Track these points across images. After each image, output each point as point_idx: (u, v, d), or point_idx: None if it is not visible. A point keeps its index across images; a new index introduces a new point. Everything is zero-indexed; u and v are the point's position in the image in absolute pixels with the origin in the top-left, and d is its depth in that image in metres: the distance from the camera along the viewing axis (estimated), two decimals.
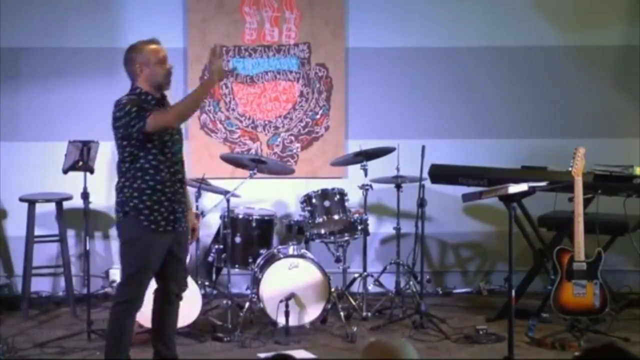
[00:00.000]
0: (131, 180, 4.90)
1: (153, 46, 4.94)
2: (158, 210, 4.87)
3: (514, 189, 5.10)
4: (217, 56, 4.97)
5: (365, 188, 6.43)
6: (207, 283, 6.42)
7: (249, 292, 6.25)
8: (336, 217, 6.35)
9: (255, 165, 6.26)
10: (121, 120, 4.86)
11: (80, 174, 6.03)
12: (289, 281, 5.98)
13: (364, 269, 6.53)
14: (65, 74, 6.97)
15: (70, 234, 6.90)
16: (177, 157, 4.99)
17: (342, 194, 6.41)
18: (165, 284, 5.09)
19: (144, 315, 5.92)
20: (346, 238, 6.40)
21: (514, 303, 5.18)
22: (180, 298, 5.16)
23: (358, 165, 6.47)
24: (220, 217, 6.37)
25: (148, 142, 4.85)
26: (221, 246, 6.31)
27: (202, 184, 6.33)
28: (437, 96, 7.18)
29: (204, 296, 6.17)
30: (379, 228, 7.15)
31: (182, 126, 6.95)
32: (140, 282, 4.94)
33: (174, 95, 7.03)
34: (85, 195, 5.98)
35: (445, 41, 7.14)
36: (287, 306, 5.89)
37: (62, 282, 6.85)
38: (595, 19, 7.20)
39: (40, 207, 6.65)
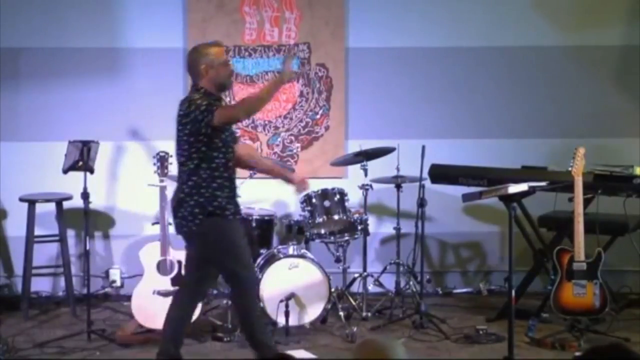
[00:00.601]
0: (208, 180, 5.04)
1: (217, 48, 5.16)
2: (233, 201, 5.16)
3: (514, 189, 5.10)
4: (291, 59, 5.24)
5: (365, 188, 6.43)
6: None
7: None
8: (336, 217, 6.35)
9: None
10: (190, 116, 5.03)
11: (80, 174, 6.02)
12: (289, 281, 5.98)
13: (364, 269, 6.53)
14: (65, 74, 6.96)
15: (70, 234, 6.90)
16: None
17: (342, 194, 6.41)
18: (203, 284, 5.30)
19: (144, 316, 5.94)
20: (346, 238, 6.40)
21: (514, 303, 5.18)
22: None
23: (358, 165, 6.47)
24: None
25: (216, 139, 5.00)
26: None
27: None
28: (437, 96, 7.18)
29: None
30: (379, 228, 7.15)
31: None
32: (248, 264, 5.20)
33: (174, 95, 7.08)
34: (85, 195, 5.98)
35: (445, 41, 7.14)
36: (287, 306, 5.89)
37: (62, 282, 6.85)
38: (595, 19, 7.19)
39: (40, 207, 6.64)
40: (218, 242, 5.08)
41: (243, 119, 5.30)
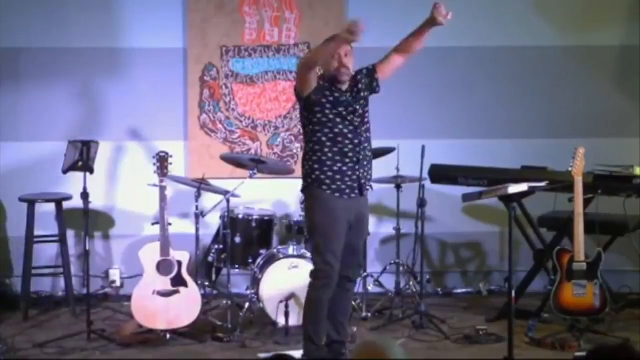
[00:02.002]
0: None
1: None
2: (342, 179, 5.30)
3: (514, 189, 5.10)
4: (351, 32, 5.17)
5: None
6: (207, 283, 6.42)
7: (249, 292, 6.24)
8: None
9: (255, 165, 6.26)
10: None
11: (80, 174, 6.03)
12: (289, 281, 5.98)
13: (364, 269, 6.52)
14: (66, 74, 6.96)
15: (70, 234, 6.89)
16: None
17: None
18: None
19: (144, 316, 5.94)
20: None
21: (514, 303, 5.18)
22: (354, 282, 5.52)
23: None
24: (220, 217, 6.37)
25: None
26: (221, 246, 6.31)
27: (202, 184, 6.33)
28: (437, 96, 7.18)
29: (204, 296, 6.17)
30: (379, 228, 7.15)
31: (182, 126, 7.03)
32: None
33: (174, 95, 7.09)
34: (85, 195, 5.98)
35: (444, 41, 7.11)
36: (287, 306, 5.89)
37: (62, 282, 6.85)
38: (595, 19, 7.19)
39: (40, 207, 6.64)
40: None
41: (302, 74, 5.24)
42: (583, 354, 5.18)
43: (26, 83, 6.97)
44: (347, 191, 5.24)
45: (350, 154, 5.23)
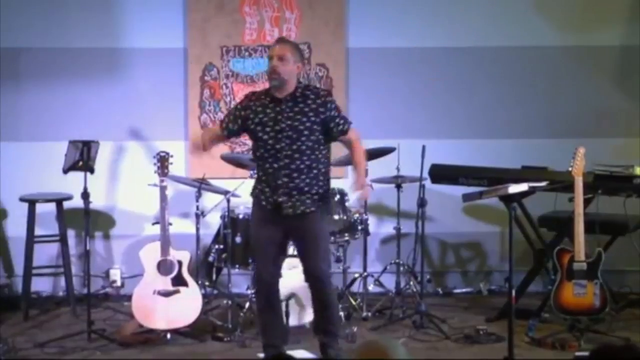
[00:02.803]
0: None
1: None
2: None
3: (514, 189, 5.10)
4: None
5: None
6: (207, 283, 6.42)
7: (249, 292, 6.24)
8: (336, 217, 6.34)
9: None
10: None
11: (81, 173, 6.03)
12: (289, 281, 5.97)
13: (364, 269, 6.53)
14: (66, 74, 6.96)
15: (71, 234, 6.89)
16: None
17: (342, 194, 6.41)
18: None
19: (144, 316, 5.94)
20: (346, 238, 6.40)
21: (514, 303, 5.18)
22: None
23: None
24: (221, 217, 6.36)
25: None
26: (221, 246, 6.31)
27: (203, 184, 6.33)
28: (437, 96, 7.18)
29: (204, 296, 6.17)
30: (379, 228, 7.15)
31: (182, 126, 7.03)
32: None
33: (175, 95, 7.09)
34: (85, 195, 5.98)
35: (445, 41, 7.14)
36: (287, 306, 5.88)
37: (62, 282, 6.85)
38: (595, 19, 7.19)
39: (40, 207, 6.65)
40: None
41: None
42: (583, 353, 5.21)
43: (26, 83, 6.98)
44: (269, 207, 5.28)
45: (270, 176, 5.28)
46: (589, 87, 7.21)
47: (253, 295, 6.08)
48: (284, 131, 5.20)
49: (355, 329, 5.97)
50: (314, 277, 5.35)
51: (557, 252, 5.92)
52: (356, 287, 6.68)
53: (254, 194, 5.37)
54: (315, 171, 5.25)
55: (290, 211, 5.23)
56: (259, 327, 5.59)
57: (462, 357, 5.70)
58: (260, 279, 5.41)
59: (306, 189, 5.23)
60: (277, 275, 5.44)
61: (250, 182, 6.25)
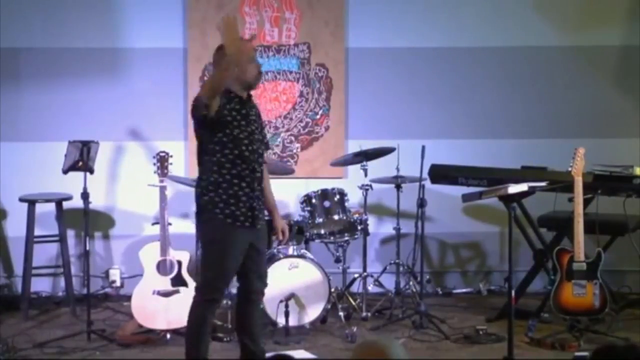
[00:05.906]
0: (207, 173, 4.86)
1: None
2: (236, 204, 4.84)
3: (514, 189, 5.10)
4: (228, 27, 4.67)
5: (365, 188, 6.43)
6: None
7: None
8: (336, 217, 6.35)
9: None
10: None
11: (80, 174, 6.03)
12: (289, 281, 5.98)
13: (364, 269, 6.53)
14: (66, 74, 6.97)
15: (70, 234, 6.90)
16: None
17: (342, 194, 6.41)
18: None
19: (144, 316, 5.94)
20: (346, 238, 6.40)
21: (514, 303, 5.18)
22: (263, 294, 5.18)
23: (358, 165, 6.47)
24: None
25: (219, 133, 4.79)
26: None
27: None
28: (437, 96, 7.19)
29: None
30: (379, 228, 7.15)
31: (182, 126, 7.03)
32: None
33: (174, 95, 7.09)
34: (85, 195, 5.98)
35: (445, 41, 7.15)
36: (287, 306, 5.89)
37: (62, 282, 6.85)
38: (595, 19, 7.20)
39: (40, 207, 6.64)
40: (204, 245, 5.02)
41: (205, 101, 4.71)
42: (583, 353, 5.21)
43: (26, 83, 6.98)
44: (242, 218, 4.84)
45: (248, 179, 4.86)
46: (589, 87, 7.22)
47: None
48: (255, 133, 4.93)
49: (355, 329, 5.98)
50: (262, 292, 5.14)
51: (557, 252, 5.92)
52: (356, 287, 6.69)
53: (213, 206, 4.80)
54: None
55: (261, 224, 4.98)
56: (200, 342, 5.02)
57: (461, 357, 5.70)
58: (220, 292, 5.03)
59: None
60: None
61: None
